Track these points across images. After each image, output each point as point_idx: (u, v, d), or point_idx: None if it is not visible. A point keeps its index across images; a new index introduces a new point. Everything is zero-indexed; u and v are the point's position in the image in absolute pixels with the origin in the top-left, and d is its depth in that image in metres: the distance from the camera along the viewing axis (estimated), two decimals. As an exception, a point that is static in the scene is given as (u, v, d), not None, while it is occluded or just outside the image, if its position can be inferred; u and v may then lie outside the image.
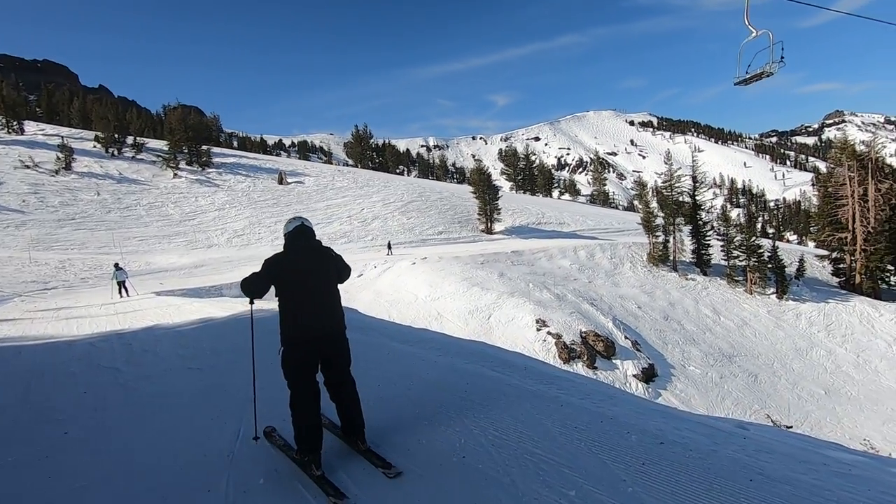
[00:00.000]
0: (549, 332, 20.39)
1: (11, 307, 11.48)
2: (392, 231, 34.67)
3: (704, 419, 3.62)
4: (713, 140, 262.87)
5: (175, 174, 41.96)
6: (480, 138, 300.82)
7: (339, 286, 3.17)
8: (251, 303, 3.17)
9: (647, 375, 19.91)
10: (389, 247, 30.22)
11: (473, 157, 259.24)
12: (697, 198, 31.61)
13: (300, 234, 3.02)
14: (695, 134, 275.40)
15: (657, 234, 31.13)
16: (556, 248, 31.31)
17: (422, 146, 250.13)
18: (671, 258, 30.69)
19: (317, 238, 3.11)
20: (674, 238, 30.97)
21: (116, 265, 16.79)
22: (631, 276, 29.26)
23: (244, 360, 3.74)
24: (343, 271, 3.18)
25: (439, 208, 39.73)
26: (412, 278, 24.43)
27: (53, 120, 63.31)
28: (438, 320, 21.40)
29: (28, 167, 37.20)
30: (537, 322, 20.94)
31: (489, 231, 35.89)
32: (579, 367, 19.27)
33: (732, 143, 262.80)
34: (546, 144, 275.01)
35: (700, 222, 31.14)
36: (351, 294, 23.58)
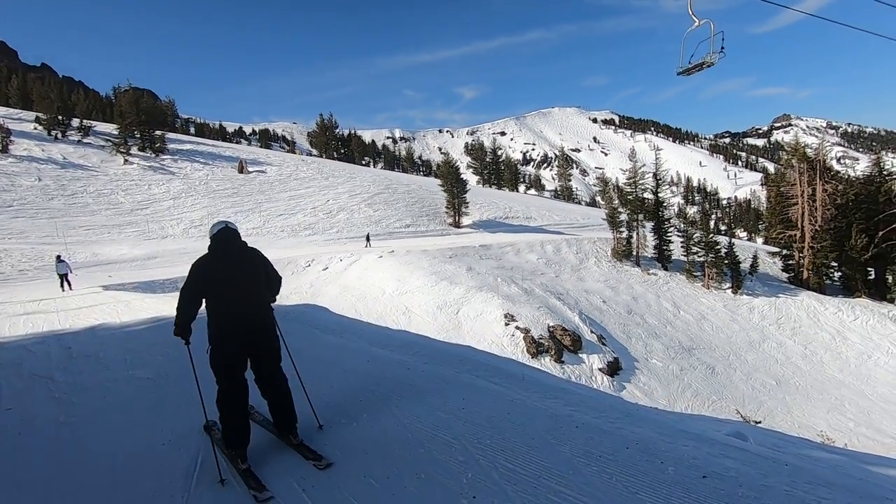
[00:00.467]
0: (517, 327, 20.38)
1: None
2: (358, 223, 33.88)
3: (717, 433, 3.41)
4: (671, 139, 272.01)
5: (126, 160, 39.56)
6: (447, 131, 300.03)
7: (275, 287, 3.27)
8: (187, 343, 3.02)
9: (612, 369, 20.24)
10: (368, 238, 29.67)
11: (440, 149, 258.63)
12: (659, 195, 32.41)
13: (225, 237, 3.04)
14: (654, 133, 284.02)
15: (621, 229, 31.73)
16: (523, 242, 31.46)
17: (388, 138, 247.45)
18: (634, 253, 31.37)
19: (241, 240, 3.12)
20: (637, 234, 31.64)
21: (58, 257, 15.66)
22: (596, 271, 29.72)
23: (202, 368, 3.33)
24: (273, 278, 3.22)
25: (407, 201, 39.14)
26: (379, 272, 23.94)
27: (-12, 99, 58.60)
28: (406, 315, 21.06)
29: (-42, 149, 34.26)
30: (505, 317, 20.91)
31: (457, 225, 35.67)
32: (547, 362, 19.38)
33: (689, 143, 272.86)
34: (512, 139, 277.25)
35: (662, 219, 31.93)
36: (316, 288, 22.90)
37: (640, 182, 32.22)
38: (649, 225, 32.49)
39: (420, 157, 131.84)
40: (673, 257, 31.94)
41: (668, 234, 31.88)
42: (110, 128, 44.73)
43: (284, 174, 42.73)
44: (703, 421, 4.35)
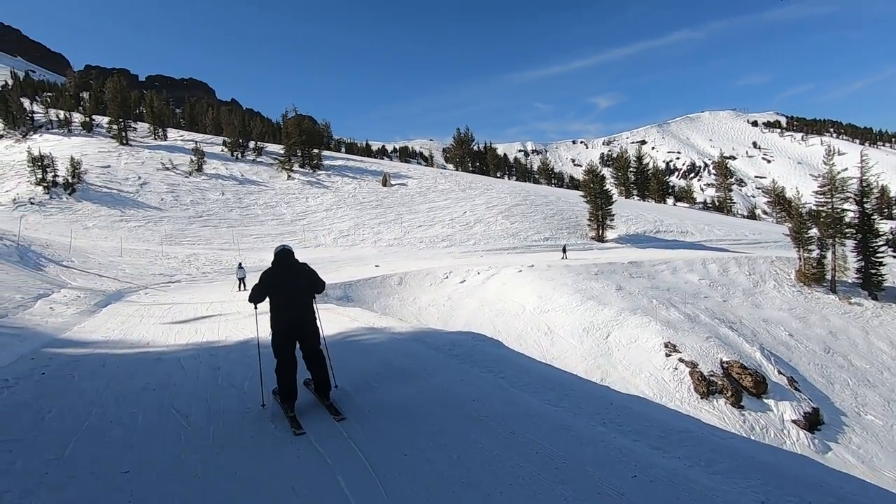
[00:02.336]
0: (681, 360, 17.44)
1: (132, 300, 11.60)
2: (495, 236, 33.03)
3: None
4: (857, 141, 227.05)
5: (289, 176, 44.20)
6: (581, 142, 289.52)
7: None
8: (255, 307, 4.17)
9: (811, 423, 16.21)
10: (564, 250, 29.23)
11: (573, 161, 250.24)
12: (867, 206, 26.19)
13: (283, 255, 4.14)
14: (833, 134, 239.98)
15: (810, 247, 26.26)
16: (680, 259, 27.71)
17: (519, 151, 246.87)
18: (829, 277, 25.68)
19: (294, 257, 4.19)
20: (833, 253, 25.88)
21: (240, 264, 18.28)
22: (776, 297, 24.87)
23: (367, 419, 3.48)
24: (316, 283, 4.19)
25: (545, 213, 37.31)
26: (519, 287, 22.60)
27: (193, 129, 70.64)
28: (549, 336, 19.39)
29: (168, 169, 41.27)
30: (666, 346, 18.06)
31: (600, 238, 32.86)
32: (721, 405, 16.17)
33: (884, 145, 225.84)
34: (653, 148, 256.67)
35: (872, 235, 25.72)
36: (454, 301, 22.35)
37: (839, 191, 26.37)
38: (850, 243, 26.42)
39: (552, 170, 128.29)
40: (885, 284, 25.48)
41: (880, 255, 25.53)
42: (278, 148, 50.59)
43: (424, 186, 43.91)
44: None
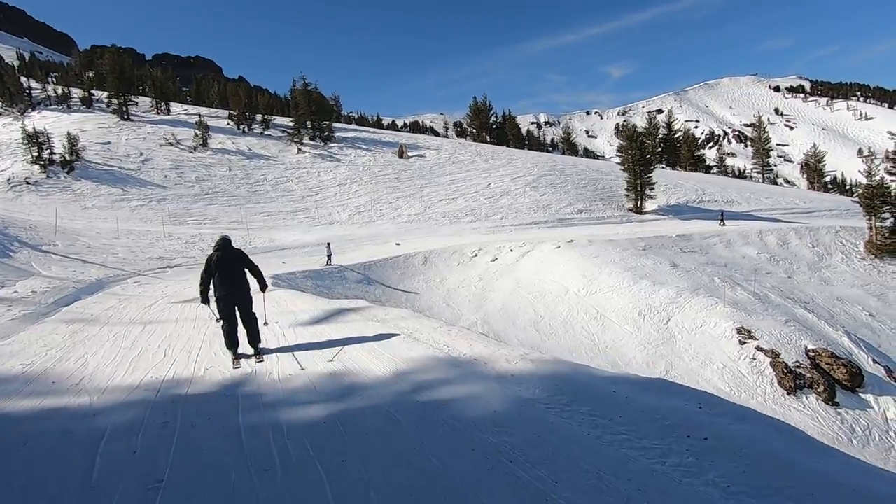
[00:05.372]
0: (759, 348, 15.01)
1: (113, 292, 9.38)
2: (524, 209, 30.38)
3: None
4: (886, 105, 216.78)
5: (299, 149, 41.68)
6: (595, 112, 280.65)
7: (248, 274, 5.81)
8: (207, 303, 5.74)
9: (920, 422, 13.73)
10: (722, 216, 27.88)
11: (587, 133, 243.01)
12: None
13: (222, 243, 5.67)
14: (861, 98, 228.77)
15: (883, 216, 23.42)
16: (733, 231, 25.05)
17: (532, 123, 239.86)
18: (904, 249, 22.85)
19: (231, 245, 5.77)
20: (910, 222, 23.00)
21: (328, 244, 20.67)
22: (846, 272, 22.21)
23: None
24: (254, 268, 5.80)
25: (576, 183, 34.41)
26: (559, 266, 20.15)
27: (200, 104, 68.07)
28: (599, 321, 17.01)
29: (171, 144, 38.95)
30: (739, 332, 15.63)
31: (639, 210, 30.04)
32: (812, 402, 13.76)
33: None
34: (670, 117, 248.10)
35: (956, 201, 22.72)
36: (486, 282, 19.99)
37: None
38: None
39: (564, 141, 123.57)
40: (970, 256, 22.60)
41: (967, 223, 22.58)
42: (286, 120, 47.96)
43: (443, 158, 41.08)
44: None
